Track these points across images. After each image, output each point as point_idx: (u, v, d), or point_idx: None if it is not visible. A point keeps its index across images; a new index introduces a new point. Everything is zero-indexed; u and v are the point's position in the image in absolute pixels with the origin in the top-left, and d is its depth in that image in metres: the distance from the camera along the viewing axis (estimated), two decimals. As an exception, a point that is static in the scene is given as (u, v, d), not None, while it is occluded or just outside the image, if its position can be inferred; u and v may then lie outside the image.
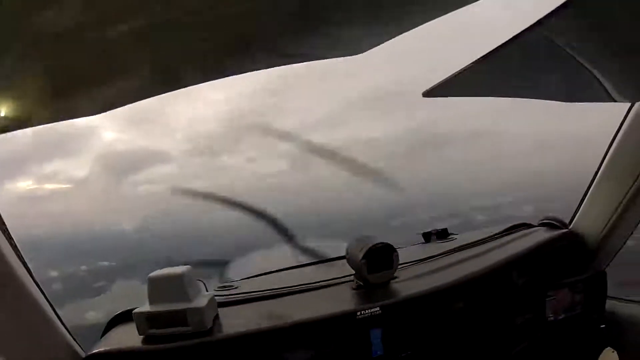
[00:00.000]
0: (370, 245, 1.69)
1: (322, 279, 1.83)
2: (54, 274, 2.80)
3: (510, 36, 1.25)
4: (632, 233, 2.02)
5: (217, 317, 1.60)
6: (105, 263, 3.06)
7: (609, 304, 2.02)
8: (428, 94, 1.43)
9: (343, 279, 1.82)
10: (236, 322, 1.58)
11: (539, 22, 1.15)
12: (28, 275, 1.44)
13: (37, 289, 1.47)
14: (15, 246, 1.43)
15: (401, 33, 1.30)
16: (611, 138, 1.93)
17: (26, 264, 1.45)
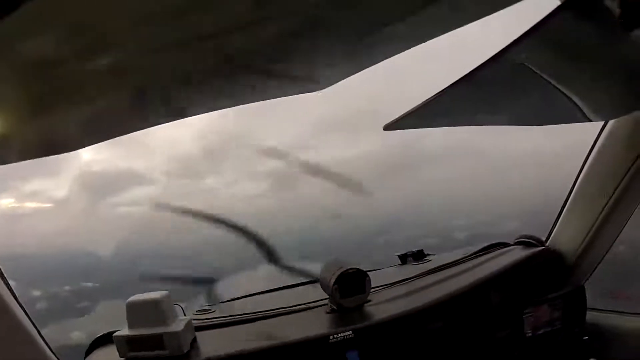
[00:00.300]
0: (342, 270, 1.73)
1: (297, 303, 1.88)
2: (36, 293, 2.85)
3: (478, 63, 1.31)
4: (610, 248, 2.07)
5: (194, 340, 1.65)
6: (89, 284, 3.10)
7: (591, 316, 2.07)
8: (389, 127, 1.48)
9: (317, 303, 1.87)
10: (213, 345, 1.64)
11: (509, 47, 1.20)
12: (10, 295, 1.49)
13: (20, 308, 1.52)
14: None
15: (362, 69, 1.36)
16: (585, 155, 2.00)
17: (8, 283, 1.50)
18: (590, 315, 2.07)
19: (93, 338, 1.75)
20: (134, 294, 1.63)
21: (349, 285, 1.75)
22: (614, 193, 1.93)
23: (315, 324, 1.73)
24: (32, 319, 1.57)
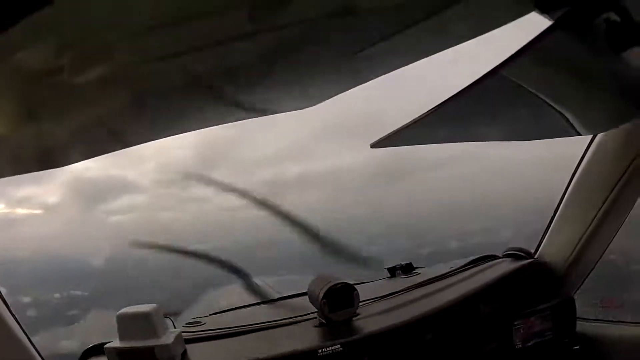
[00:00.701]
0: (331, 285, 1.77)
1: (286, 316, 1.91)
2: (26, 300, 2.88)
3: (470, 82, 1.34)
4: (600, 259, 2.12)
5: (184, 353, 1.68)
6: (78, 292, 3.13)
7: (582, 326, 2.12)
8: (376, 144, 1.51)
9: (306, 316, 1.90)
10: (203, 358, 1.68)
11: (502, 65, 1.23)
12: (2, 303, 1.53)
13: (11, 315, 1.55)
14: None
15: (355, 86, 1.40)
16: (574, 167, 2.04)
17: (-1, 291, 1.54)
18: (580, 325, 2.11)
19: (82, 346, 1.77)
20: (123, 304, 1.66)
21: (338, 299, 1.78)
22: (602, 205, 1.96)
23: (304, 338, 1.76)
24: (22, 326, 1.59)
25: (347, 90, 1.43)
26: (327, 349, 1.67)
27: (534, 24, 1.16)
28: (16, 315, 1.57)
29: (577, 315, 2.11)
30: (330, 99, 1.46)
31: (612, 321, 2.18)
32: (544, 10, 1.12)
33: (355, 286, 1.84)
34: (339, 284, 1.79)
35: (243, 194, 2.01)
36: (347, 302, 1.80)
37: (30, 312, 2.76)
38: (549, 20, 1.13)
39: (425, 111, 1.40)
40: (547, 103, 1.45)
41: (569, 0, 1.08)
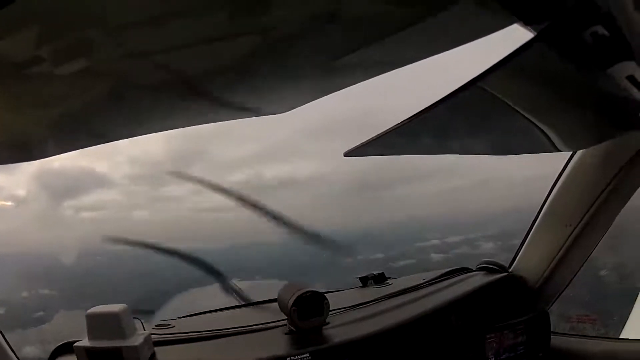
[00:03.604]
0: (300, 293, 1.83)
1: (256, 322, 1.97)
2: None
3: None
4: (576, 274, 2.22)
5: (153, 355, 1.74)
6: (46, 291, 3.14)
7: (557, 340, 2.22)
8: (350, 153, 1.59)
9: (276, 323, 1.96)
10: None
11: (479, 77, 1.28)
12: None
13: None
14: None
15: (331, 93, 1.48)
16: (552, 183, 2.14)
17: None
18: (555, 340, 2.21)
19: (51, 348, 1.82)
20: (93, 304, 1.72)
21: (307, 308, 1.84)
22: (580, 221, 2.06)
23: (274, 345, 1.82)
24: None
25: (324, 96, 1.51)
26: (296, 357, 1.73)
27: (515, 36, 1.24)
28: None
29: (552, 330, 2.21)
30: (308, 104, 1.54)
31: (587, 336, 2.29)
32: (527, 23, 1.18)
33: (326, 294, 1.90)
34: (308, 292, 1.84)
35: (226, 191, 2.08)
36: (317, 311, 1.86)
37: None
38: (532, 33, 1.20)
39: (399, 121, 1.48)
40: (527, 118, 1.52)
41: (552, 14, 1.12)
